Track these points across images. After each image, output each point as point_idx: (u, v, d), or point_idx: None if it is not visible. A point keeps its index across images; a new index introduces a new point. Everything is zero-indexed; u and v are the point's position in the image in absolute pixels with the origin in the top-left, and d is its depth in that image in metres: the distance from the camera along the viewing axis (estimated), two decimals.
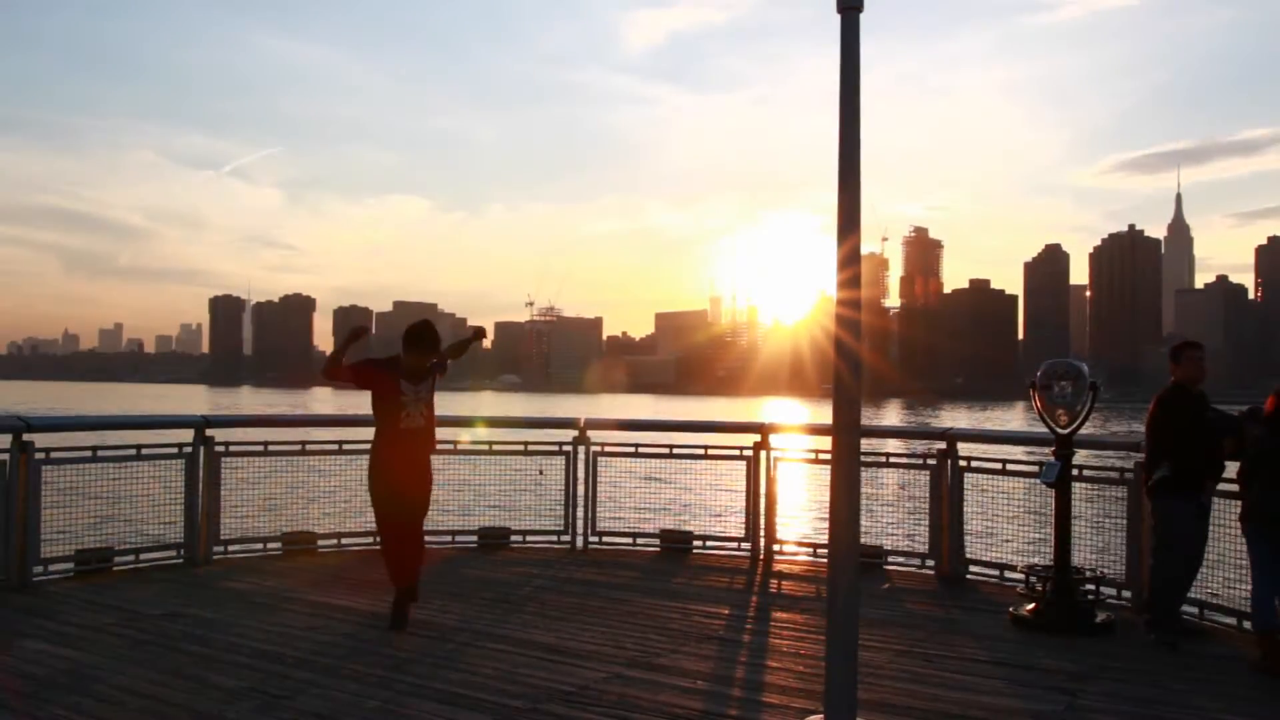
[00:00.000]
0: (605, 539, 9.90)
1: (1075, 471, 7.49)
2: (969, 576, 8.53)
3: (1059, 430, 7.24)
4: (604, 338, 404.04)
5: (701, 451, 9.76)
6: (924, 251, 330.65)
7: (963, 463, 8.57)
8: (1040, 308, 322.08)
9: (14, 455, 7.78)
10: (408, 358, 7.25)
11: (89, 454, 8.27)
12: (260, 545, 9.30)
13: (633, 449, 9.93)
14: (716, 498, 9.75)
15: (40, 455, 7.92)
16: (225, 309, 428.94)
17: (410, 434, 7.16)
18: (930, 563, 8.75)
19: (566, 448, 9.90)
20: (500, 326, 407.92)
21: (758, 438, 9.56)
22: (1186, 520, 6.64)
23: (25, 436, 7.88)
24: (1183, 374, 6.89)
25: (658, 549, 9.78)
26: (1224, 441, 6.73)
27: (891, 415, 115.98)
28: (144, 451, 8.63)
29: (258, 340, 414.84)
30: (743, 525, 9.54)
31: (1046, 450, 7.48)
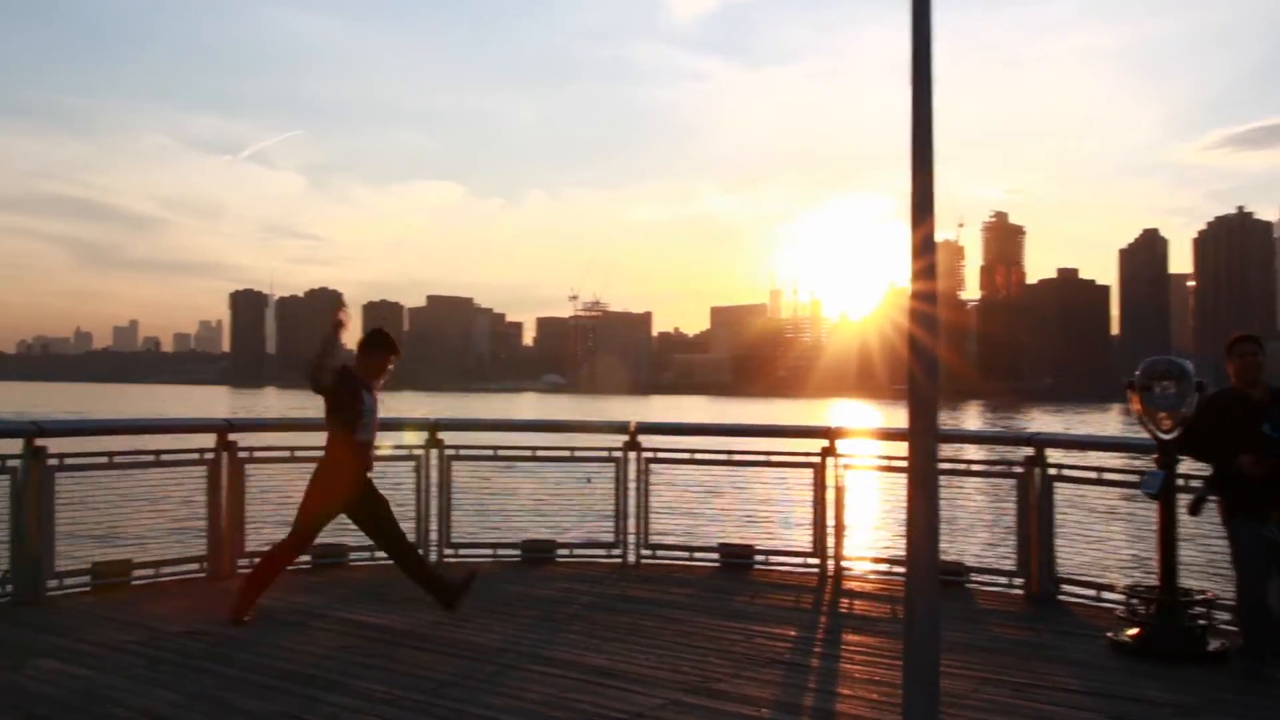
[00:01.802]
0: (659, 553, 9.91)
1: (1181, 482, 7.34)
2: (1061, 597, 8.41)
3: (1162, 436, 7.11)
4: (654, 334, 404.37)
5: (763, 458, 9.75)
6: (1005, 239, 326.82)
7: (1052, 471, 8.46)
8: (1137, 299, 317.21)
9: (25, 461, 7.94)
10: (364, 364, 7.70)
11: (105, 460, 8.44)
12: None
13: (688, 455, 9.94)
14: (780, 509, 9.73)
15: (53, 461, 8.08)
16: (246, 305, 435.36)
17: (365, 448, 7.63)
18: (1018, 581, 8.64)
19: (616, 454, 9.93)
20: (542, 322, 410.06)
21: (824, 443, 9.51)
22: (1251, 540, 6.45)
23: (37, 441, 8.04)
24: (1233, 373, 6.75)
25: (716, 564, 9.77)
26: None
27: (972, 419, 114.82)
28: (163, 457, 8.79)
29: (281, 338, 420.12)
30: (809, 539, 9.50)
31: (1148, 458, 7.35)
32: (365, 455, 7.64)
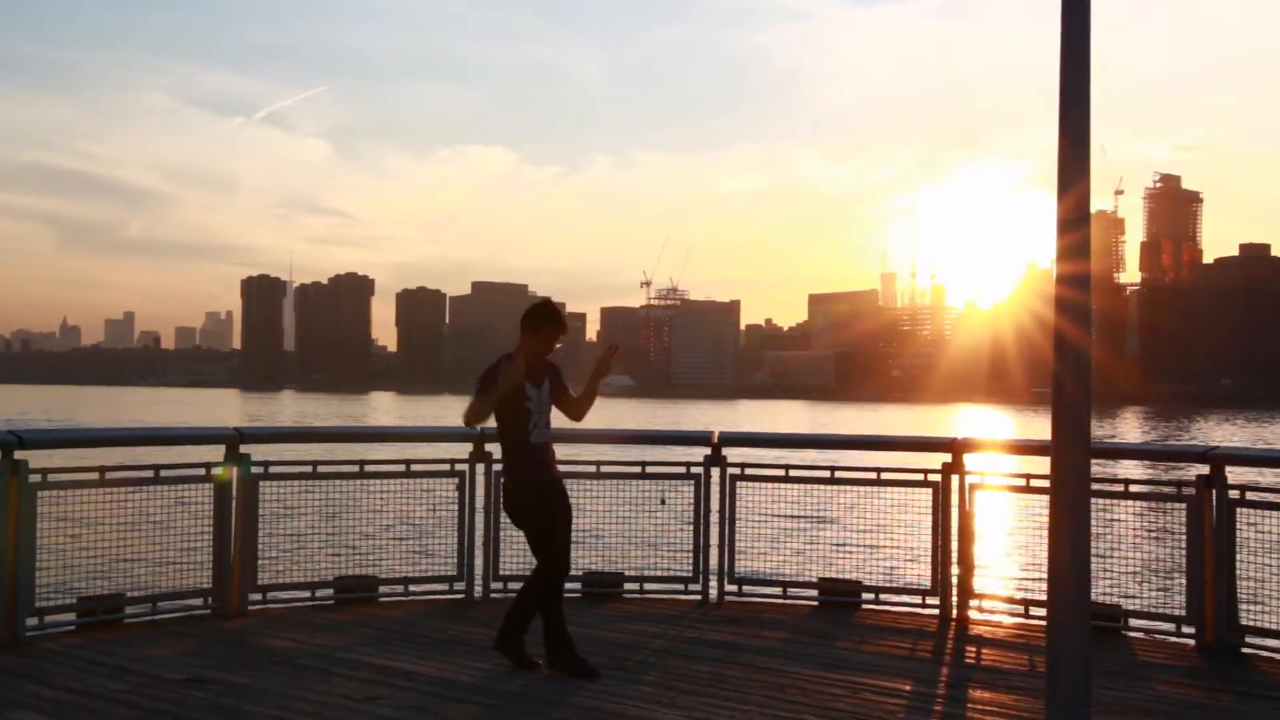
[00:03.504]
0: (746, 589, 9.92)
1: None
2: (1245, 650, 8.26)
3: None
4: (742, 327, 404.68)
5: (873, 475, 9.69)
6: (1174, 208, 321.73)
7: (1234, 493, 8.31)
8: None
9: (3, 477, 8.10)
10: (529, 346, 7.57)
11: (95, 476, 8.61)
12: (307, 593, 9.56)
13: (782, 472, 9.93)
14: (893, 536, 9.67)
15: (35, 478, 8.25)
16: (261, 293, 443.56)
17: (541, 451, 7.65)
18: (1188, 629, 8.50)
19: (696, 470, 9.94)
20: (608, 313, 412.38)
21: (947, 458, 9.44)
22: None
23: (17, 454, 8.19)
24: None
25: (815, 603, 9.76)
26: None
27: (1131, 429, 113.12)
28: (163, 473, 8.96)
29: (302, 332, 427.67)
30: (928, 574, 9.45)
31: None
32: (542, 459, 7.69)
